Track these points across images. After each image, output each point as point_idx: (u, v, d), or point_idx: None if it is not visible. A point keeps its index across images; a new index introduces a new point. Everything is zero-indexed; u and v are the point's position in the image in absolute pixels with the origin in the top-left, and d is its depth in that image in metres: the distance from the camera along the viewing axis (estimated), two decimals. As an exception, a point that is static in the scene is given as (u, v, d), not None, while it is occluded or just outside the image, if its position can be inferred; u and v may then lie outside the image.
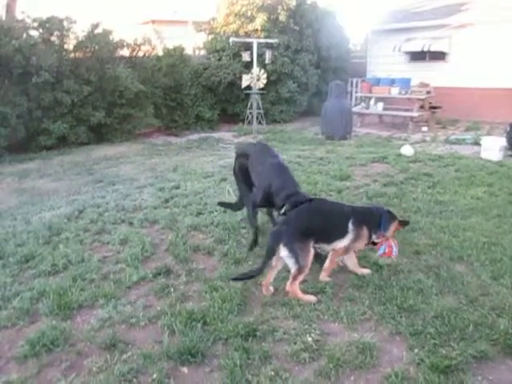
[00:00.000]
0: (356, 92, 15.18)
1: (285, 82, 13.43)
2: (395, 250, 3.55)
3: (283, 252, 3.21)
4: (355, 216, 3.44)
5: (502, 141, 8.10)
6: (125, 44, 11.19)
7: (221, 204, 5.06)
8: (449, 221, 4.74)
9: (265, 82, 12.31)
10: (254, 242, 4.12)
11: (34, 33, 9.80)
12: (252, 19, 13.01)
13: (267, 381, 2.47)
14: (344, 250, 3.46)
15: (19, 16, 10.23)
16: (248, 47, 12.27)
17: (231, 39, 12.28)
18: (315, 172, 6.93)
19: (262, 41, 12.28)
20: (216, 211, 5.19)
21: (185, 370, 2.61)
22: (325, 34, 14.44)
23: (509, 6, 12.24)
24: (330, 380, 2.49)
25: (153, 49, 11.97)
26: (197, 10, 18.05)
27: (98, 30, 10.56)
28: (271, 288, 3.37)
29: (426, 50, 13.74)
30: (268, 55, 12.26)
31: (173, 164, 8.04)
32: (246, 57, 12.25)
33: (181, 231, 4.62)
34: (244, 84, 12.21)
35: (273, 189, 3.99)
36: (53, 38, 10.03)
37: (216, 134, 11.86)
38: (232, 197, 5.64)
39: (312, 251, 3.32)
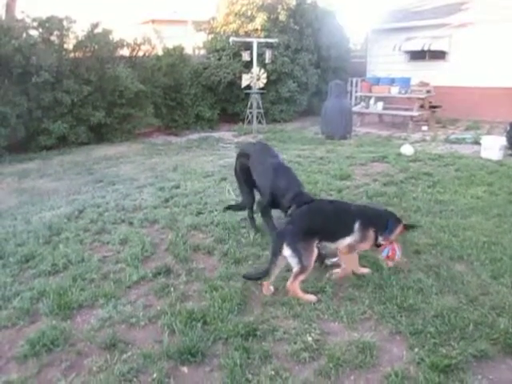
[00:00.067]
0: (356, 91, 15.17)
1: (285, 81, 13.43)
2: (398, 253, 3.53)
3: (286, 251, 3.22)
4: (362, 217, 3.42)
5: (502, 140, 8.10)
6: (125, 44, 11.19)
7: (229, 208, 5.00)
8: (449, 220, 4.74)
9: (265, 81, 12.31)
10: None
11: (33, 32, 9.79)
12: (252, 19, 13.00)
13: (267, 380, 2.47)
14: (348, 248, 3.44)
15: (19, 16, 10.24)
16: (248, 47, 12.27)
17: (231, 39, 12.27)
18: (315, 171, 6.94)
19: (262, 40, 12.28)
20: (216, 211, 5.19)
21: (185, 369, 2.61)
22: (325, 33, 14.44)
23: (509, 4, 12.23)
24: (330, 379, 2.49)
25: (153, 48, 11.96)
26: (197, 9, 18.04)
27: (98, 30, 10.55)
28: (271, 287, 3.37)
29: (425, 49, 13.74)
30: (268, 55, 12.25)
31: (173, 164, 8.04)
32: (245, 56, 12.24)
33: (181, 231, 4.62)
34: (244, 83, 12.21)
35: (278, 190, 3.98)
36: (52, 38, 10.02)
37: (216, 134, 11.86)
38: (232, 196, 5.65)
39: (316, 251, 3.32)
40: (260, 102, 12.36)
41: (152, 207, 5.44)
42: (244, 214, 4.81)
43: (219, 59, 13.01)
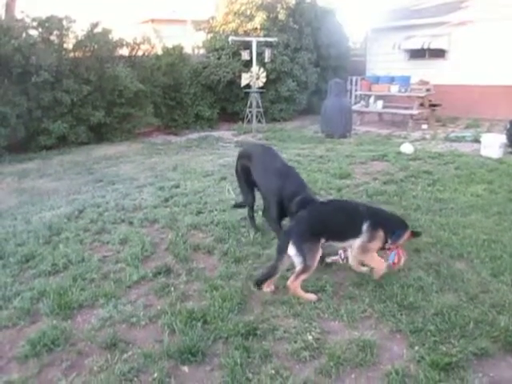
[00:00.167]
0: (355, 90, 15.16)
1: (284, 80, 13.42)
2: (403, 259, 3.52)
3: (292, 250, 3.22)
4: (372, 217, 3.40)
5: (502, 138, 8.09)
6: (124, 43, 11.19)
7: (236, 206, 5.02)
8: (449, 218, 4.74)
9: (264, 80, 12.29)
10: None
11: (33, 32, 9.80)
12: (251, 18, 13.00)
13: (268, 379, 2.47)
14: (361, 251, 3.41)
15: (19, 15, 10.25)
16: (247, 46, 12.27)
17: (230, 38, 12.26)
18: (315, 170, 6.93)
19: (262, 39, 12.27)
20: (216, 210, 5.19)
21: (185, 369, 2.61)
22: (324, 32, 14.44)
23: (508, 3, 12.22)
24: (330, 378, 2.49)
25: (152, 48, 11.97)
26: (196, 9, 18.05)
27: (98, 30, 10.56)
28: (272, 286, 3.37)
29: (425, 47, 13.73)
30: (267, 54, 12.25)
31: (172, 163, 8.04)
32: (245, 55, 12.24)
33: (181, 230, 4.62)
34: (243, 83, 12.20)
35: (285, 195, 3.93)
36: (52, 38, 10.03)
37: (215, 133, 11.85)
38: (232, 195, 5.64)
39: (320, 252, 3.32)
40: (259, 101, 12.36)
41: (152, 207, 5.44)
42: (244, 213, 4.81)
43: (219, 58, 13.01)
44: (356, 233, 3.37)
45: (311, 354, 2.67)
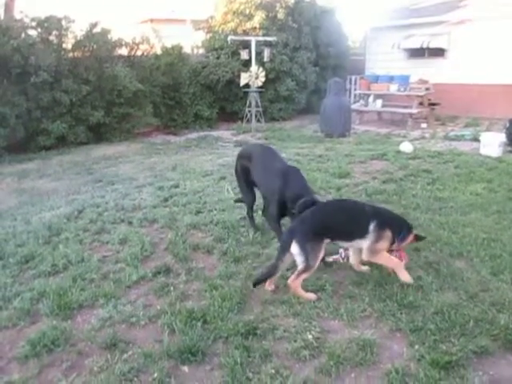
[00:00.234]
0: (355, 89, 15.15)
1: (283, 79, 13.42)
2: (404, 261, 3.50)
3: (294, 249, 3.22)
4: (378, 217, 3.38)
5: (502, 137, 8.09)
6: (123, 43, 11.19)
7: (236, 201, 5.09)
8: (448, 217, 4.74)
9: (263, 80, 12.29)
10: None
11: (32, 32, 9.80)
12: (250, 17, 13.00)
13: (268, 379, 2.47)
14: (370, 253, 3.37)
15: (18, 15, 10.23)
16: (246, 45, 12.27)
17: (229, 37, 12.26)
18: (314, 169, 6.93)
19: (261, 39, 12.27)
20: (215, 210, 5.19)
21: (185, 368, 2.61)
22: (323, 31, 14.44)
23: (508, 1, 12.23)
24: (330, 377, 2.49)
25: (151, 48, 11.97)
26: (195, 8, 18.04)
27: (97, 29, 10.56)
28: (272, 285, 3.37)
29: (424, 46, 13.74)
30: (266, 53, 12.25)
31: (172, 163, 8.04)
32: (244, 55, 12.24)
33: (180, 230, 4.61)
34: (242, 82, 12.20)
35: (287, 197, 3.91)
36: (51, 38, 10.03)
37: (215, 133, 11.85)
38: (231, 195, 5.64)
39: (323, 252, 3.32)
40: (259, 101, 12.36)
41: (151, 207, 5.44)
42: (243, 212, 4.81)
43: (218, 58, 13.01)
44: (363, 233, 3.34)
45: (311, 353, 2.67)
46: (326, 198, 5.27)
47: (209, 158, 8.43)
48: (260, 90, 12.44)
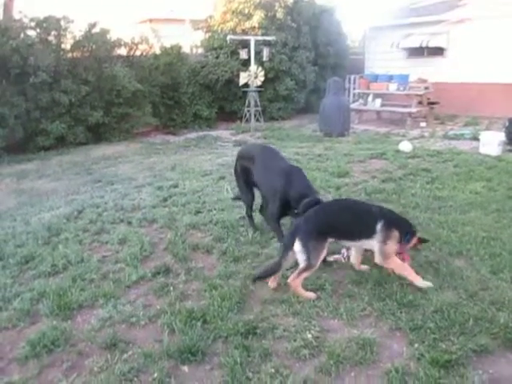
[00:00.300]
0: (354, 88, 15.14)
1: (282, 79, 13.42)
2: (407, 263, 3.49)
3: (297, 247, 3.23)
4: (385, 217, 3.35)
5: (501, 135, 8.09)
6: (122, 43, 11.19)
7: (235, 198, 5.09)
8: (448, 216, 4.74)
9: (262, 79, 12.30)
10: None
11: (31, 32, 9.81)
12: (249, 17, 12.99)
13: (268, 378, 2.47)
14: (380, 254, 3.33)
15: (17, 16, 10.22)
16: (245, 45, 12.26)
17: (229, 37, 12.26)
18: (313, 169, 6.92)
19: (260, 38, 12.27)
20: (214, 209, 5.19)
21: (185, 368, 2.61)
22: (322, 30, 14.44)
23: (507, 1, 12.21)
24: (330, 376, 2.49)
25: (150, 48, 11.96)
26: (194, 8, 18.04)
27: (96, 30, 10.55)
28: (275, 283, 3.37)
29: (424, 45, 13.73)
30: (265, 53, 12.25)
31: (171, 163, 8.04)
32: (243, 54, 12.24)
33: (179, 230, 4.61)
34: (242, 82, 12.20)
35: (291, 197, 3.91)
36: (50, 38, 10.03)
37: (214, 132, 11.85)
38: (230, 195, 5.64)
39: (325, 252, 3.32)
40: (258, 100, 12.36)
41: (150, 207, 5.44)
42: (242, 212, 4.81)
43: (217, 57, 13.01)
44: (369, 232, 3.32)
45: (311, 353, 2.67)
46: (325, 197, 5.27)
47: (208, 158, 8.43)
48: (259, 89, 12.43)
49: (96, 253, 4.20)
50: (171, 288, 3.47)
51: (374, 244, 3.34)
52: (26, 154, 9.42)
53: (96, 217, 5.14)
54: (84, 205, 5.62)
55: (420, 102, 12.03)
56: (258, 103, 12.37)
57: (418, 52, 14.29)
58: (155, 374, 2.53)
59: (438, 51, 13.89)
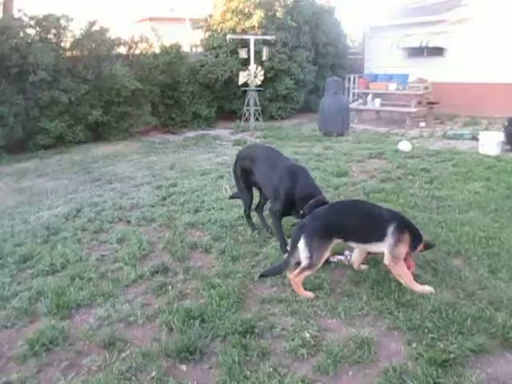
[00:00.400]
0: (353, 88, 15.13)
1: (282, 78, 13.41)
2: (412, 269, 3.48)
3: (301, 244, 3.23)
4: (396, 220, 3.32)
5: (500, 136, 8.10)
6: (122, 42, 11.17)
7: (232, 197, 5.08)
8: (446, 216, 4.74)
9: (262, 78, 12.28)
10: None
11: (30, 31, 9.79)
12: (249, 16, 12.97)
13: (265, 377, 2.47)
14: (391, 257, 3.28)
15: (16, 14, 10.20)
16: (245, 44, 12.25)
17: (228, 36, 12.25)
18: (313, 168, 6.90)
19: (259, 37, 12.26)
20: (213, 208, 5.20)
21: (183, 367, 2.61)
22: (322, 30, 14.42)
23: (507, 0, 12.21)
24: (328, 375, 2.50)
25: (150, 46, 11.94)
26: (194, 7, 18.02)
27: (95, 28, 10.54)
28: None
29: (423, 45, 13.71)
30: (265, 52, 12.23)
31: (170, 162, 8.04)
32: (243, 54, 12.22)
33: (178, 229, 4.62)
34: (241, 81, 12.19)
35: (298, 197, 3.88)
36: (50, 36, 10.02)
37: (213, 132, 11.84)
38: (229, 193, 5.64)
39: (329, 252, 3.32)
40: (257, 100, 12.34)
41: (149, 206, 5.44)
42: (241, 211, 4.81)
43: (216, 57, 12.99)
44: (380, 235, 3.28)
45: (309, 352, 2.67)
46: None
47: (207, 157, 8.44)
48: (259, 88, 12.42)
49: (94, 252, 4.20)
50: (169, 287, 3.47)
51: (384, 246, 3.29)
52: (25, 152, 9.41)
53: (95, 216, 5.15)
54: (83, 204, 5.62)
55: (419, 102, 12.02)
56: (258, 102, 12.35)
57: (417, 52, 14.28)
58: (153, 373, 2.54)
59: (437, 51, 13.88)
